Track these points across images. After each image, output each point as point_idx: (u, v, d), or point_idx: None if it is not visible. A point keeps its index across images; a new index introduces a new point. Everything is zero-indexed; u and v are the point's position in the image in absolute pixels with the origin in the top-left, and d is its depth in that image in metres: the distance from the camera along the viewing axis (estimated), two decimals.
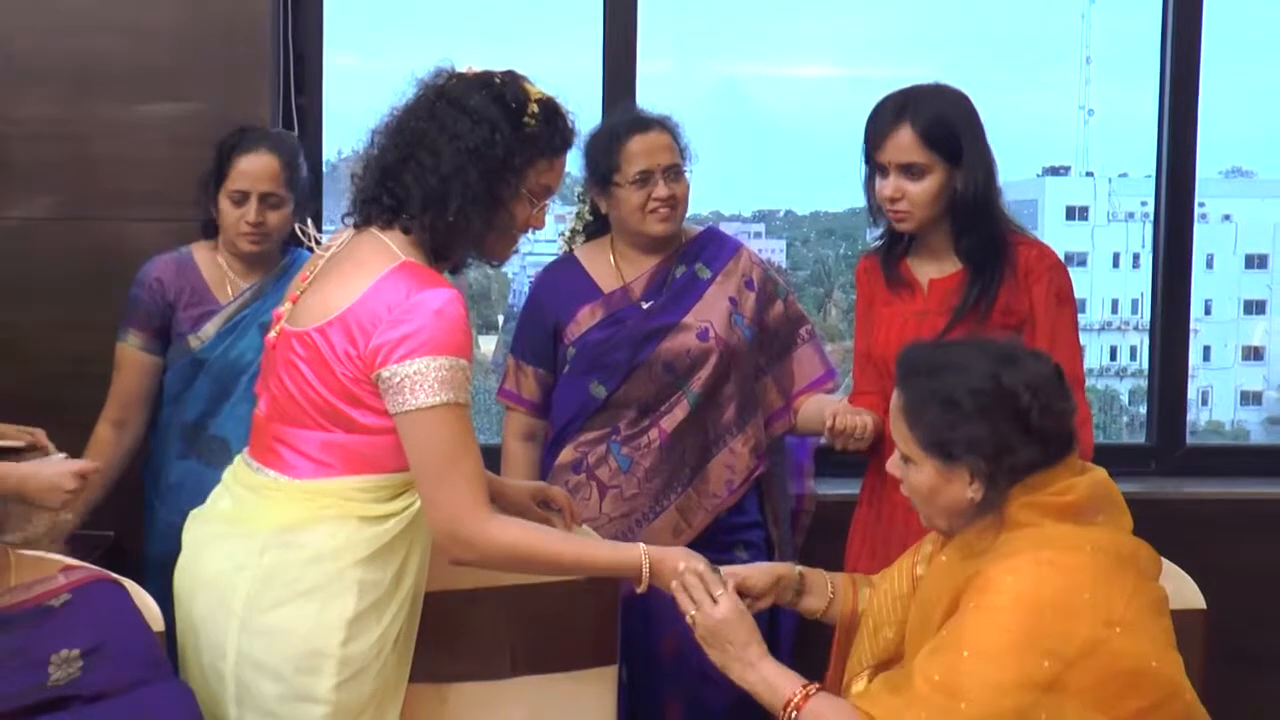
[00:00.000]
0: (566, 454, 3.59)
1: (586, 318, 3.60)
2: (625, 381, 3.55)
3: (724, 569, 2.72)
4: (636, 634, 3.45)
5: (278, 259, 3.68)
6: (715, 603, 2.62)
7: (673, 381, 3.55)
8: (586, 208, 3.72)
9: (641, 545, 2.73)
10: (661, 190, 3.52)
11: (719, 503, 3.58)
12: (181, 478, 3.63)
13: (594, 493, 3.55)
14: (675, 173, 3.55)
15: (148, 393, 3.67)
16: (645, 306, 3.60)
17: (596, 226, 3.72)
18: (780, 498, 3.77)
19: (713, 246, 3.68)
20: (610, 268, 3.65)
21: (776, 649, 3.44)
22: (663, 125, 3.58)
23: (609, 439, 3.56)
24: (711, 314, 3.59)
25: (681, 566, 2.67)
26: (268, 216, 3.56)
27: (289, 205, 3.59)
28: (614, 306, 3.61)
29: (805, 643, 3.45)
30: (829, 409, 3.32)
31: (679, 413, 3.55)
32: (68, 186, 3.87)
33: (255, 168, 3.54)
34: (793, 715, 2.50)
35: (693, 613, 2.63)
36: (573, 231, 3.84)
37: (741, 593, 2.72)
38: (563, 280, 3.68)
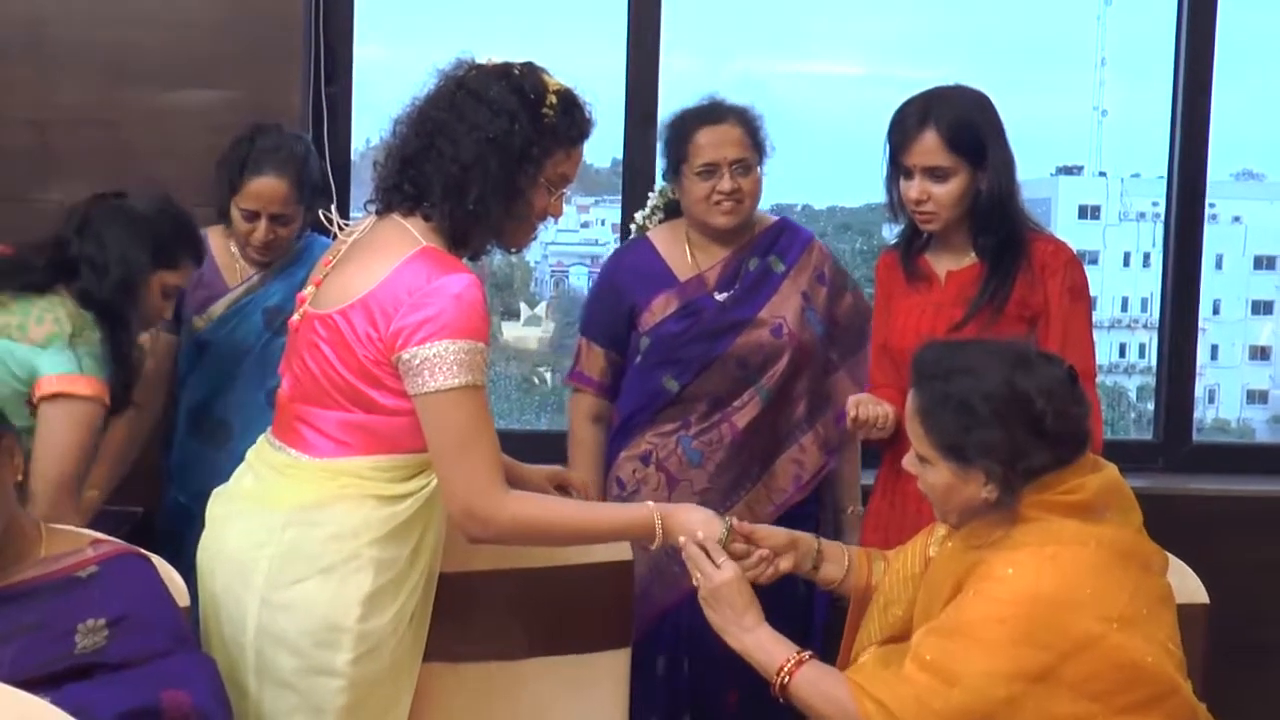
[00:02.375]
0: (637, 443, 3.62)
1: (661, 306, 3.61)
2: (699, 376, 3.57)
3: (737, 524, 2.78)
4: (698, 627, 3.48)
5: (289, 246, 3.73)
6: (718, 568, 2.68)
7: (745, 377, 3.58)
8: (669, 188, 3.72)
9: (650, 504, 2.78)
10: (725, 184, 3.52)
11: (787, 497, 3.61)
12: (185, 458, 3.71)
13: (663, 485, 3.58)
14: (743, 167, 3.54)
15: (163, 372, 3.72)
16: (720, 298, 3.61)
17: (675, 208, 3.72)
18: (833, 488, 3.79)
19: (785, 238, 3.69)
20: (684, 254, 3.66)
21: (810, 630, 3.52)
22: (737, 118, 3.56)
23: (679, 432, 3.58)
24: (785, 309, 3.60)
25: (699, 535, 2.72)
26: (278, 232, 3.62)
27: (299, 217, 3.64)
28: (689, 295, 3.61)
29: (837, 629, 3.51)
30: (851, 399, 3.33)
31: (751, 409, 3.57)
32: (104, 172, 3.90)
33: (266, 191, 3.59)
34: (784, 680, 2.55)
35: (698, 577, 2.68)
36: (652, 209, 3.83)
37: (752, 543, 2.76)
38: (638, 264, 3.68)
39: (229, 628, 2.70)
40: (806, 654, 2.59)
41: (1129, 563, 2.50)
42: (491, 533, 2.66)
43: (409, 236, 2.67)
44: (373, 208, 2.79)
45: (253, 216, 3.60)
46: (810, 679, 2.56)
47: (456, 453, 2.61)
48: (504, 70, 2.73)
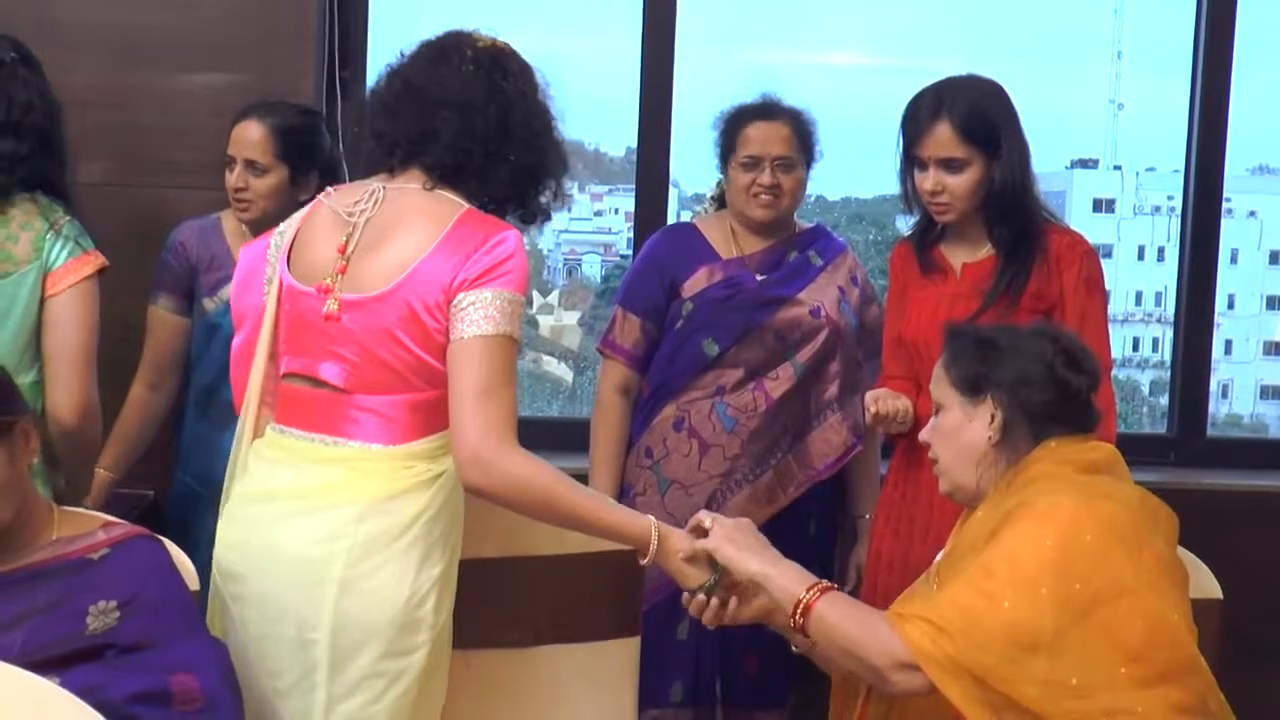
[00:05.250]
0: (669, 411, 3.68)
1: (705, 277, 3.70)
2: (738, 342, 3.64)
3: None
4: None
5: (269, 206, 3.62)
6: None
7: (781, 350, 3.65)
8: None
9: (652, 518, 2.74)
10: (766, 178, 3.63)
11: (815, 474, 3.66)
12: (194, 441, 3.68)
13: (694, 450, 3.64)
14: (786, 164, 3.65)
15: (179, 355, 3.71)
16: (760, 279, 3.70)
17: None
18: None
19: (823, 240, 3.81)
20: (728, 240, 3.75)
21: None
22: (789, 118, 3.68)
23: (714, 397, 3.64)
24: (823, 296, 3.69)
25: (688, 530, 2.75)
26: (251, 183, 3.59)
27: (277, 174, 3.59)
28: (731, 272, 3.70)
29: None
30: (869, 394, 3.37)
31: (785, 381, 3.64)
32: (113, 154, 3.93)
33: (240, 135, 3.59)
34: (810, 601, 2.52)
35: (709, 522, 2.70)
36: (710, 199, 3.93)
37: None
38: (682, 241, 3.79)
39: (293, 626, 2.63)
40: (825, 584, 2.56)
41: (1156, 529, 2.54)
42: (491, 481, 2.59)
43: (446, 201, 2.68)
44: (380, 185, 2.73)
45: (232, 163, 3.60)
46: (836, 603, 2.52)
47: (477, 397, 2.56)
48: (502, 46, 2.78)
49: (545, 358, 5.30)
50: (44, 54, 3.35)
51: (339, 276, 2.68)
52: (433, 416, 2.66)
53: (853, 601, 2.58)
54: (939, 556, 2.77)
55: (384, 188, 2.72)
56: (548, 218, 2.84)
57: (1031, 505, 2.48)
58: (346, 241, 2.70)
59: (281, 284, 2.77)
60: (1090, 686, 2.38)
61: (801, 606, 2.53)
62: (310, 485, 2.67)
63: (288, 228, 2.81)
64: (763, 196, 3.65)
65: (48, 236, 3.17)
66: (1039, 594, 2.38)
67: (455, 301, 2.58)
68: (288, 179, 3.60)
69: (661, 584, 3.46)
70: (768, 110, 3.70)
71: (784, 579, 2.59)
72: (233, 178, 3.60)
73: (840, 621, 2.50)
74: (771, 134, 3.65)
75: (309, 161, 3.62)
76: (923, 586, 2.75)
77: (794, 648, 2.65)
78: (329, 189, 2.82)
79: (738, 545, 2.65)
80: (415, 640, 2.64)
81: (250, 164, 3.59)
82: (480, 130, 2.68)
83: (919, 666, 2.40)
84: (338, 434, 2.68)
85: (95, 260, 3.22)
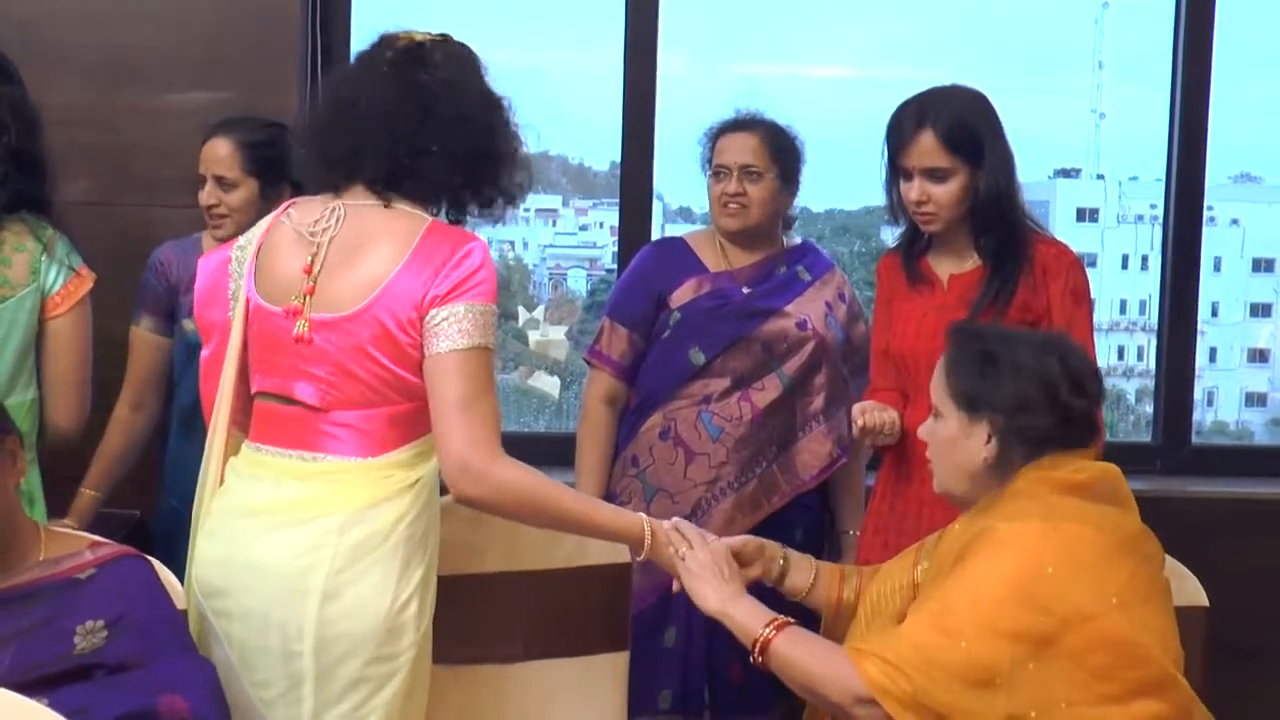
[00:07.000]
0: (655, 419, 3.70)
1: (692, 288, 3.73)
2: (724, 352, 3.67)
3: (717, 538, 2.81)
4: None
5: (240, 220, 3.58)
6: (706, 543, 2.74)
7: (768, 361, 3.68)
8: None
9: (643, 515, 2.77)
10: (730, 186, 3.68)
11: (800, 484, 3.68)
12: (178, 461, 3.65)
13: (680, 459, 3.66)
14: (752, 174, 3.68)
15: (162, 375, 3.71)
16: (747, 291, 3.73)
17: None
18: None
19: (811, 256, 3.85)
20: (717, 254, 3.79)
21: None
22: (761, 129, 3.72)
23: (699, 406, 3.66)
24: (810, 309, 3.72)
25: (674, 520, 2.78)
26: (222, 198, 3.60)
27: (247, 188, 3.60)
28: (719, 284, 3.73)
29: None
30: (856, 406, 3.36)
31: (771, 391, 3.67)
32: (99, 173, 3.93)
33: (209, 152, 3.61)
34: (768, 636, 2.54)
35: (683, 550, 2.72)
36: None
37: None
38: (671, 254, 3.82)
39: (278, 637, 2.63)
40: (782, 620, 2.58)
41: (1127, 548, 2.52)
42: (482, 490, 2.60)
43: (411, 215, 2.68)
44: (339, 203, 2.71)
45: (203, 181, 3.62)
46: (795, 639, 2.54)
47: (461, 408, 2.57)
48: (460, 50, 2.78)
49: (535, 373, 5.30)
50: (31, 73, 3.36)
51: (307, 298, 2.68)
52: (409, 427, 2.67)
53: (811, 636, 2.59)
54: (929, 539, 2.78)
55: (343, 205, 2.71)
56: (511, 203, 2.83)
57: (994, 533, 2.48)
58: (312, 261, 2.69)
59: (248, 302, 2.75)
60: (1051, 713, 2.39)
61: (759, 644, 2.55)
62: (291, 500, 2.68)
63: (248, 242, 2.80)
64: (730, 205, 3.69)
65: (42, 259, 3.23)
66: (997, 630, 2.39)
67: (428, 318, 2.59)
68: (258, 192, 3.61)
69: (646, 591, 3.48)
70: (740, 122, 3.75)
71: (742, 617, 2.61)
72: (204, 195, 3.61)
73: (799, 657, 2.52)
74: (739, 144, 3.70)
75: (278, 174, 3.61)
76: (900, 565, 2.79)
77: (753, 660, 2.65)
78: (289, 206, 2.81)
79: (700, 580, 2.69)
80: (400, 645, 2.64)
81: (219, 180, 3.60)
82: (401, 130, 2.67)
83: (878, 702, 2.42)
84: (316, 449, 2.68)
85: (88, 279, 3.30)
